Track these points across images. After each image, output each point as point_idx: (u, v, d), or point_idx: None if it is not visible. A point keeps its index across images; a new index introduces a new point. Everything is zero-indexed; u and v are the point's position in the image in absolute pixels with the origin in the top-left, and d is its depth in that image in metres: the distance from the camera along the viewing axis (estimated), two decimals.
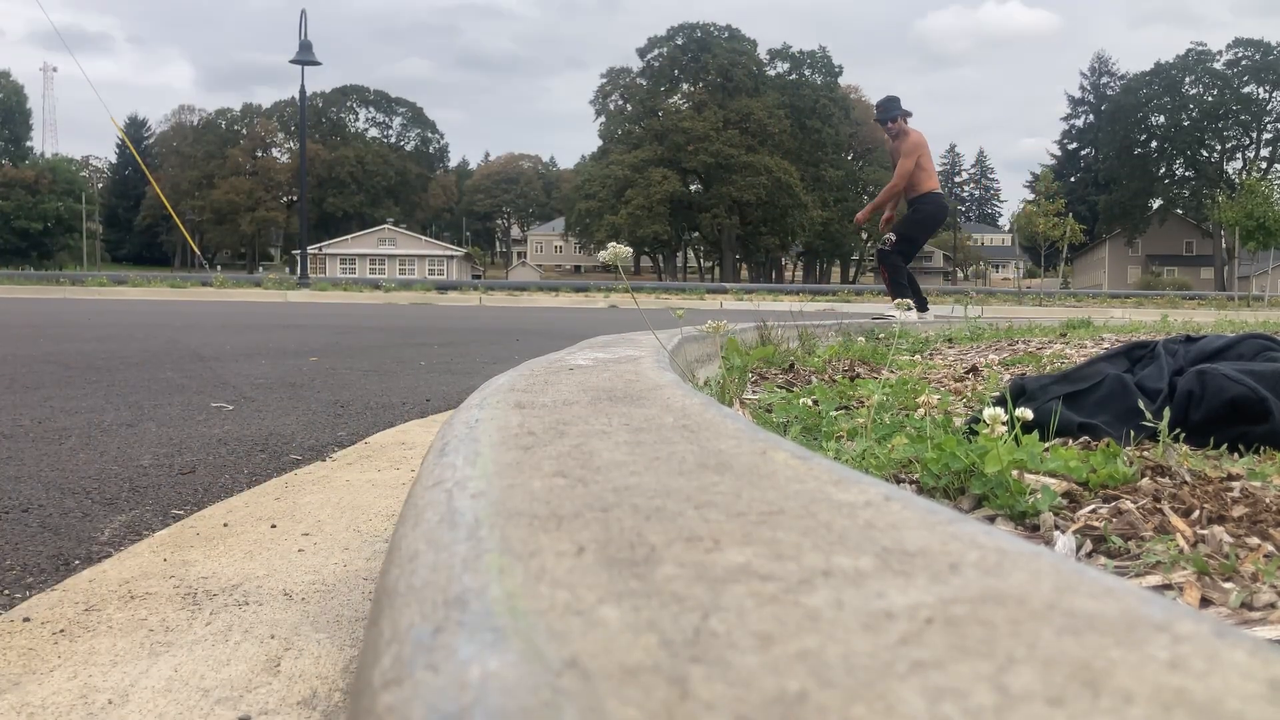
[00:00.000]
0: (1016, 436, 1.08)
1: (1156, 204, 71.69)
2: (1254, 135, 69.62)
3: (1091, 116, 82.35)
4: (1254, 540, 0.84)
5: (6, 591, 1.05)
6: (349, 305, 16.05)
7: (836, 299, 24.16)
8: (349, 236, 71.35)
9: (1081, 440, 1.26)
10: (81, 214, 74.49)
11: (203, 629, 0.91)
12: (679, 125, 60.66)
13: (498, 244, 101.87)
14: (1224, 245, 61.68)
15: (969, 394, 1.93)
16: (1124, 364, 1.54)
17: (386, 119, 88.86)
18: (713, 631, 0.32)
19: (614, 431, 0.71)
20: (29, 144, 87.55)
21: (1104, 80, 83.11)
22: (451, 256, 69.42)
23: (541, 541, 0.42)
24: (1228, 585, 0.75)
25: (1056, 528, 0.91)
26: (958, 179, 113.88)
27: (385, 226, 72.79)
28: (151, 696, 0.76)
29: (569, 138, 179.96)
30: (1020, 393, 1.43)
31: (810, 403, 1.62)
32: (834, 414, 1.52)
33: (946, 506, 0.61)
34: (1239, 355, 1.50)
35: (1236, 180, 60.21)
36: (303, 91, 26.55)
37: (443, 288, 28.15)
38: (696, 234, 66.61)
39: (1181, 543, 0.84)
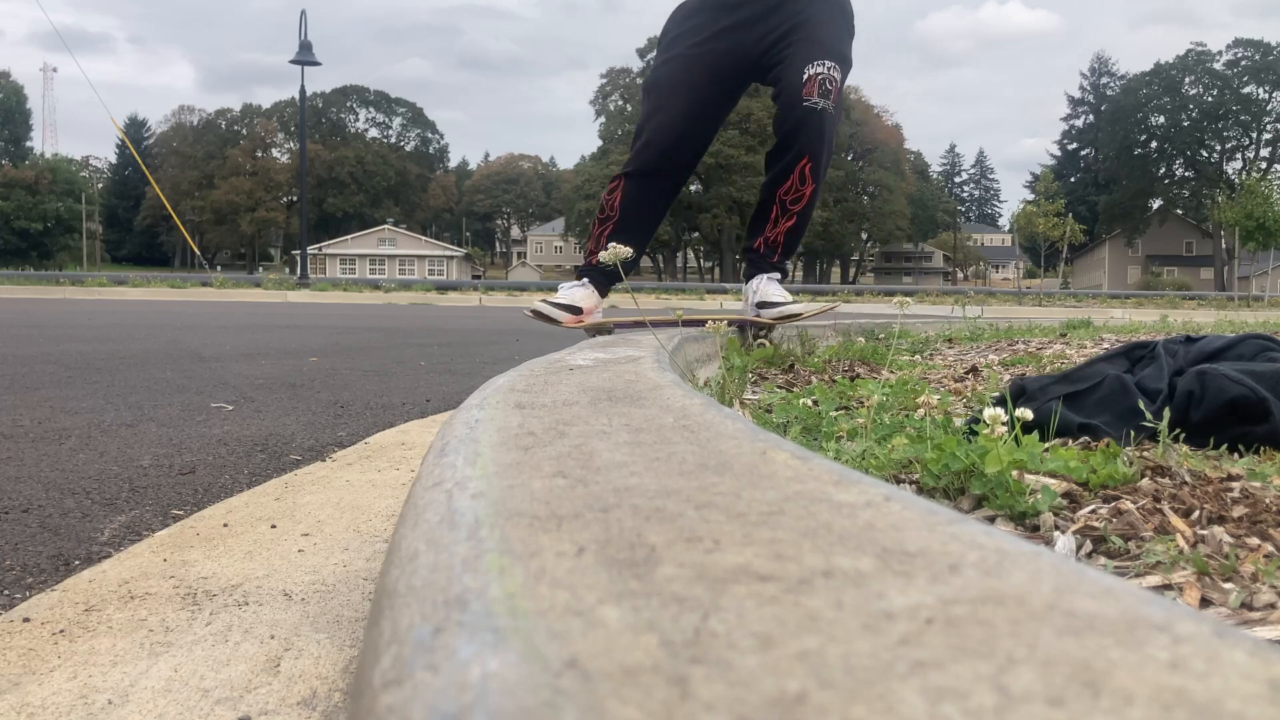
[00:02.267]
0: (1016, 437, 1.08)
1: (1156, 204, 71.75)
2: (1254, 135, 69.67)
3: (1091, 117, 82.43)
4: (1254, 540, 0.84)
5: (6, 591, 1.05)
6: (349, 305, 16.05)
7: (836, 299, 24.16)
8: (349, 237, 71.39)
9: (1081, 440, 1.26)
10: (81, 214, 74.52)
11: (202, 629, 0.91)
12: None
13: (498, 244, 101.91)
14: (1224, 245, 61.74)
15: (969, 394, 1.93)
16: (1124, 364, 1.54)
17: (386, 119, 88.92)
18: (713, 632, 0.32)
19: (614, 432, 0.71)
20: (29, 144, 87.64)
21: (1104, 80, 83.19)
22: (451, 257, 69.47)
23: (542, 542, 0.42)
24: (1228, 585, 0.75)
25: (1056, 528, 0.91)
26: (958, 179, 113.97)
27: (385, 227, 72.83)
28: (151, 697, 0.76)
29: (569, 138, 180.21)
30: (1020, 393, 1.43)
31: (810, 403, 1.62)
32: (834, 414, 1.52)
33: (946, 507, 0.61)
34: (1239, 355, 1.50)
35: (1236, 180, 60.28)
36: (302, 92, 26.56)
37: (443, 288, 28.15)
38: (696, 234, 66.62)
39: (1181, 543, 0.84)
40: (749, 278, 3.08)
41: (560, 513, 0.47)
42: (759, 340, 2.89)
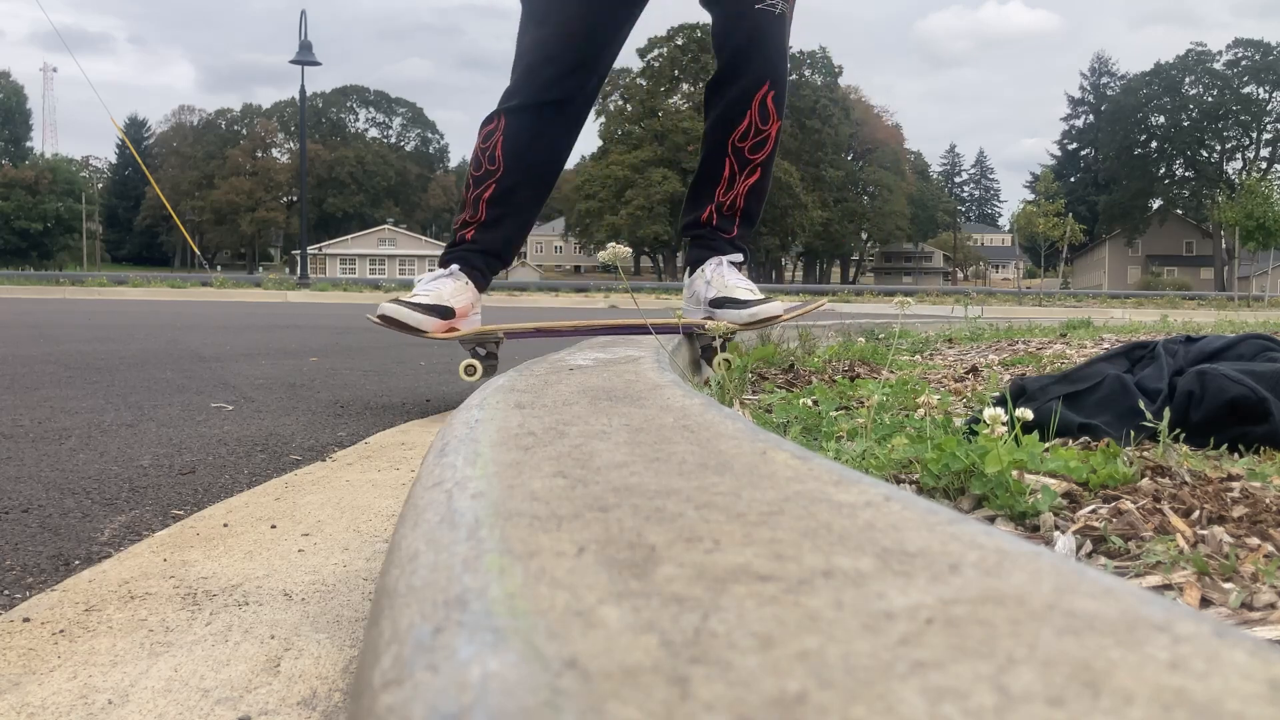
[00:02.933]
0: (1016, 437, 1.08)
1: (1156, 204, 71.85)
2: (1254, 135, 69.75)
3: (1091, 117, 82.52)
4: (1254, 540, 0.84)
5: (6, 592, 1.05)
6: (349, 306, 16.05)
7: (836, 299, 24.14)
8: (349, 237, 71.48)
9: (1081, 440, 1.26)
10: (81, 214, 74.61)
11: (202, 629, 0.91)
12: (679, 125, 60.72)
13: None
14: (1224, 245, 61.81)
15: (969, 394, 1.93)
16: (1124, 364, 1.54)
17: (386, 119, 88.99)
18: (713, 632, 0.32)
19: (614, 432, 0.71)
20: (29, 144, 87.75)
21: (1104, 80, 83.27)
22: None
23: (541, 542, 0.42)
24: (1228, 585, 0.75)
25: (1056, 528, 0.91)
26: (958, 179, 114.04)
27: (385, 227, 72.93)
28: (151, 697, 0.76)
29: None
30: (1020, 393, 1.43)
31: (810, 403, 1.62)
32: (834, 414, 1.52)
33: (946, 507, 0.61)
34: (1239, 355, 1.50)
35: (1236, 180, 60.36)
36: (303, 92, 26.57)
37: None
38: None
39: (1181, 543, 0.84)
40: (695, 263, 2.26)
41: (560, 513, 0.47)
42: (709, 352, 2.12)
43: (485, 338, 2.27)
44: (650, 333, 1.97)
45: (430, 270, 2.36)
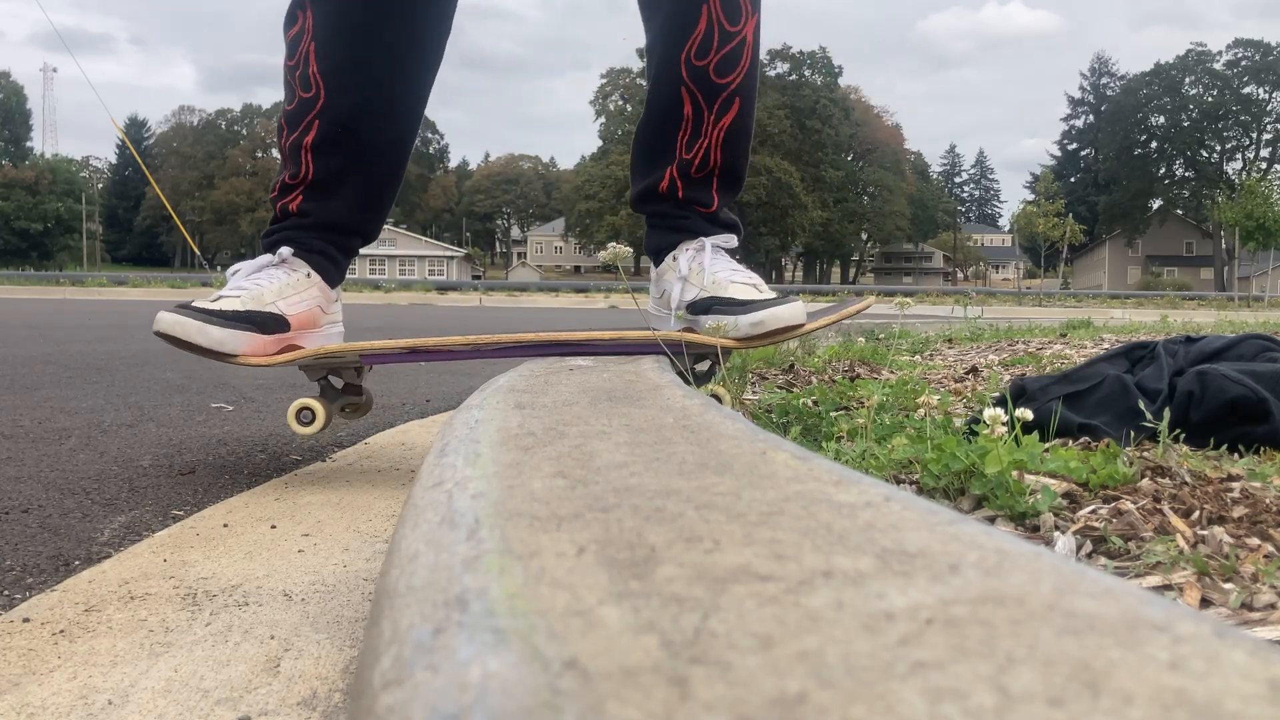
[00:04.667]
0: (1016, 437, 1.08)
1: (1156, 204, 71.90)
2: (1254, 136, 69.80)
3: (1091, 117, 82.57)
4: (1254, 541, 0.84)
5: (6, 592, 1.05)
6: (348, 306, 16.04)
7: (836, 299, 24.17)
8: None
9: (1082, 441, 1.26)
10: (81, 214, 74.64)
11: (202, 629, 0.91)
12: None
13: (498, 244, 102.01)
14: (1224, 246, 61.86)
15: (969, 394, 1.93)
16: (1124, 364, 1.54)
17: None
18: (713, 632, 0.32)
19: (614, 432, 0.71)
20: (29, 144, 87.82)
21: (1104, 81, 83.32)
22: (452, 257, 69.55)
23: (542, 542, 0.42)
24: (1228, 586, 0.75)
25: (1057, 528, 0.91)
26: (958, 179, 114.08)
27: (385, 227, 72.88)
28: (151, 697, 0.76)
29: (569, 138, 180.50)
30: (1020, 393, 1.43)
31: (810, 403, 1.62)
32: (834, 414, 1.52)
33: (946, 507, 0.61)
34: (1239, 356, 1.50)
35: (1236, 181, 60.39)
36: None
37: (443, 288, 28.19)
38: None
39: (1182, 543, 0.84)
40: (662, 251, 1.59)
41: (560, 513, 0.47)
42: (696, 376, 1.50)
43: (339, 362, 1.55)
44: (597, 353, 1.47)
45: (272, 265, 1.59)
